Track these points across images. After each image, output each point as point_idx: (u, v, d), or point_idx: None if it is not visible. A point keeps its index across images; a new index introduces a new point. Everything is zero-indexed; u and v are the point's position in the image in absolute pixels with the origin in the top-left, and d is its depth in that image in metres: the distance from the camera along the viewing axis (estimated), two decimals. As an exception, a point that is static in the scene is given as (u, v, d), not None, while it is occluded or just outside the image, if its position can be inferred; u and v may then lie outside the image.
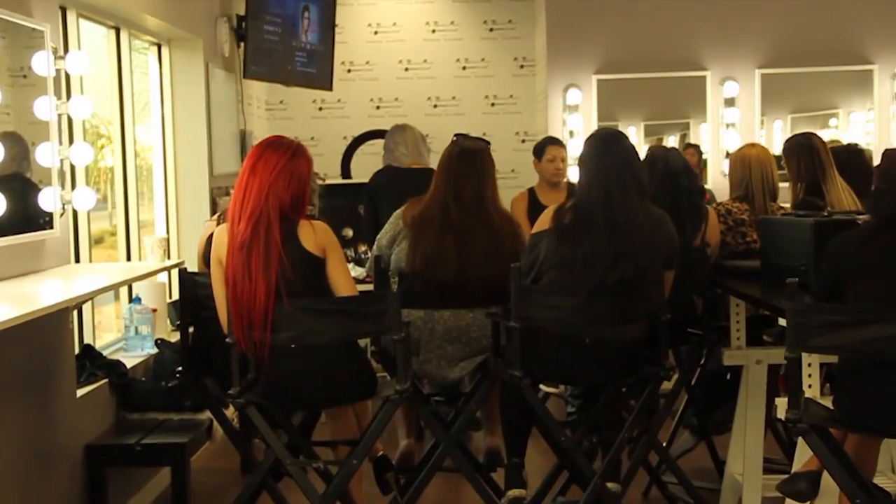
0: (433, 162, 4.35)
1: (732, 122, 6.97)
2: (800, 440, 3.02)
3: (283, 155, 3.30)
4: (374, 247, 4.11)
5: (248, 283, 3.19)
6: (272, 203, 3.24)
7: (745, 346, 4.05)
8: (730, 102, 6.97)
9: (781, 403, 3.14)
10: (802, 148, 4.42)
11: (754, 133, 6.94)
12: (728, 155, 6.96)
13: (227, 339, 3.25)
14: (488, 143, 4.14)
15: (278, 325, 3.17)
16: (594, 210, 3.41)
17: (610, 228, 3.37)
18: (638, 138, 7.41)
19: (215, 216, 4.19)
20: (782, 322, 3.10)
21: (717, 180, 7.03)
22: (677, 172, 4.06)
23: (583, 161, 3.54)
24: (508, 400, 3.67)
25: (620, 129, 7.13)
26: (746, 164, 4.37)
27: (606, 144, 3.49)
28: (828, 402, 2.97)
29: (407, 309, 3.92)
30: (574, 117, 7.05)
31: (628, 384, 3.70)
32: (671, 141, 7.54)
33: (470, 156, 3.99)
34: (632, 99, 7.25)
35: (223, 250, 3.27)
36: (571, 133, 7.03)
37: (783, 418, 3.10)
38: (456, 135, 4.12)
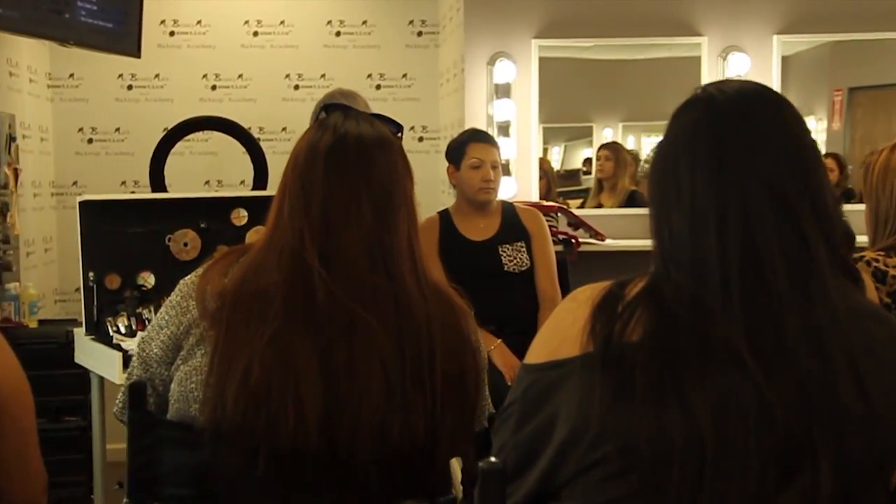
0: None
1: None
2: None
3: None
4: (134, 359, 1.85)
5: None
6: None
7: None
8: None
9: None
10: None
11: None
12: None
13: None
14: (399, 127, 1.94)
15: None
16: (714, 306, 1.23)
17: (764, 361, 1.20)
18: (617, 139, 5.33)
19: None
20: None
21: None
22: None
23: (669, 172, 1.33)
24: None
25: (584, 126, 5.15)
26: (909, 181, 2.29)
27: (741, 124, 1.30)
28: None
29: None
30: (504, 104, 4.89)
31: None
32: (647, 144, 5.48)
33: (361, 154, 1.79)
34: (600, 77, 5.21)
35: None
36: (502, 128, 4.90)
37: None
38: (326, 107, 1.91)
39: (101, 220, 3.74)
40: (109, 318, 3.67)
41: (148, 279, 3.83)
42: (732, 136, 1.28)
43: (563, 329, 1.33)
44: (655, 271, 1.31)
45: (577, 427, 1.25)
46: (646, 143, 5.40)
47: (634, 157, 5.37)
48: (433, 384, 1.72)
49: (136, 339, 3.47)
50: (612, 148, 5.26)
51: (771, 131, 1.29)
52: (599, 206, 5.11)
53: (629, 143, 5.35)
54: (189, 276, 1.83)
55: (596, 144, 5.32)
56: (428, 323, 1.75)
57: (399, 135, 1.91)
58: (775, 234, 1.24)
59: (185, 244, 3.86)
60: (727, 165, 1.27)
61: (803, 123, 1.33)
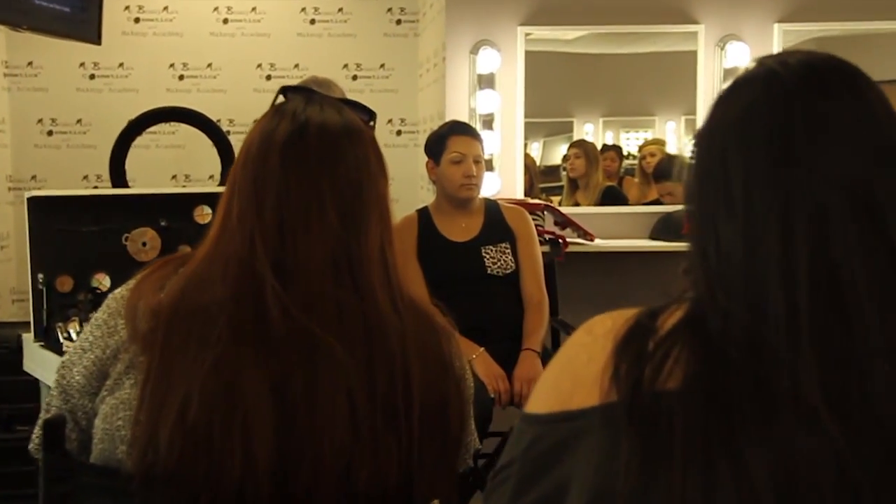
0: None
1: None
2: None
3: None
4: (53, 388, 1.56)
5: None
6: None
7: None
8: (734, 75, 4.35)
9: None
10: None
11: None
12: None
13: None
14: (371, 114, 1.65)
15: None
16: (778, 344, 0.94)
17: (844, 419, 0.91)
18: (596, 137, 5.11)
19: None
20: None
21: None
22: None
23: (715, 169, 1.05)
24: None
25: (565, 121, 4.92)
26: None
27: (811, 105, 1.01)
28: None
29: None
30: (487, 95, 4.61)
31: None
32: (624, 140, 5.22)
33: (325, 145, 1.51)
34: (582, 71, 4.98)
35: None
36: (485, 121, 4.62)
37: None
38: (284, 89, 1.63)
39: (52, 217, 3.47)
40: (60, 324, 3.38)
41: (103, 281, 3.53)
42: (800, 121, 0.99)
43: (576, 370, 1.04)
44: (697, 297, 1.02)
45: (596, 498, 0.96)
46: (624, 139, 5.20)
47: (618, 152, 5.14)
48: (409, 420, 1.45)
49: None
50: (582, 146, 5.08)
51: (851, 114, 1.00)
52: (576, 204, 4.92)
53: (608, 139, 5.14)
54: (119, 290, 1.54)
55: (576, 140, 5.12)
56: (403, 347, 1.47)
57: (371, 124, 1.63)
58: (859, 249, 0.95)
59: (144, 244, 3.57)
60: (794, 159, 0.98)
61: (889, 104, 1.04)
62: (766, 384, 0.93)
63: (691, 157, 1.09)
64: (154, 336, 1.42)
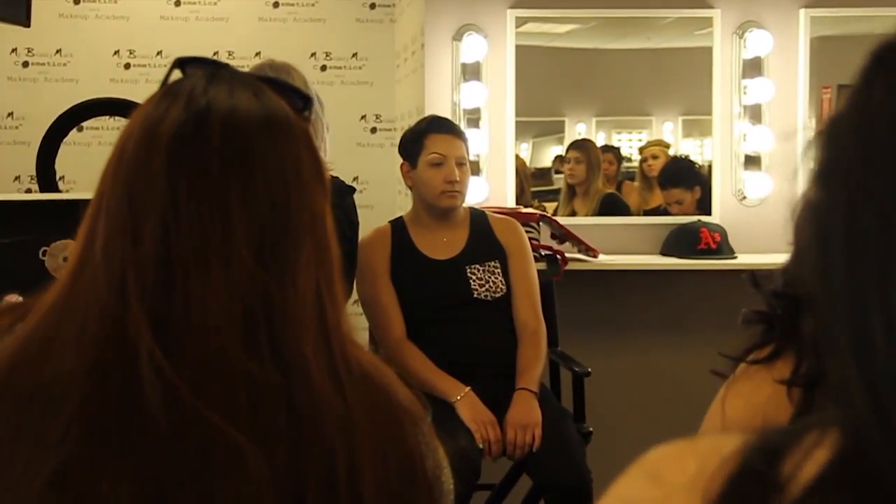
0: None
1: (759, 104, 4.39)
2: None
3: None
4: None
5: None
6: None
7: None
8: (754, 68, 4.39)
9: None
10: None
11: (797, 126, 4.47)
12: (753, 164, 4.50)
13: None
14: (306, 100, 1.21)
15: None
16: None
17: None
18: (590, 136, 5.00)
19: None
20: None
21: (731, 216, 4.43)
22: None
23: (880, 183, 0.62)
24: None
25: (556, 121, 4.73)
26: None
27: None
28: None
29: None
30: (473, 88, 4.35)
31: None
32: (616, 141, 4.94)
33: (233, 143, 1.07)
34: (574, 68, 4.78)
35: None
36: (471, 118, 4.38)
37: None
38: (181, 61, 1.19)
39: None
40: (-41, 357, 2.99)
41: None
42: None
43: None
44: (853, 421, 0.58)
45: None
46: (617, 140, 5.05)
47: (617, 154, 4.88)
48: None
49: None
50: (583, 148, 4.85)
51: None
52: (573, 213, 4.72)
53: (601, 140, 4.99)
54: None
55: (567, 141, 4.97)
56: (348, 441, 1.05)
57: (306, 113, 1.19)
58: None
59: (66, 259, 3.22)
60: None
61: None
62: None
63: (819, 168, 0.64)
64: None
